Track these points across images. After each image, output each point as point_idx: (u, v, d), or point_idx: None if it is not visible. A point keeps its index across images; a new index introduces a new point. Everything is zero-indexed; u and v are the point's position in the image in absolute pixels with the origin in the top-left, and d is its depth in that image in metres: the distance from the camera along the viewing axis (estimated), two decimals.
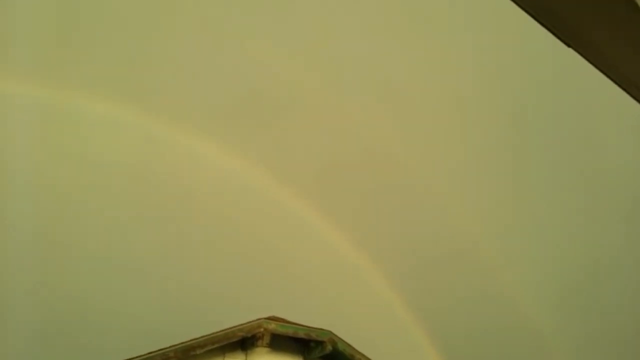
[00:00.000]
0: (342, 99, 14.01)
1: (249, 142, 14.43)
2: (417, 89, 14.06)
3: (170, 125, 13.46)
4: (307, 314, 10.58)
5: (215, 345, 8.92)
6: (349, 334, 10.43)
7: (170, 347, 8.63)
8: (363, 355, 10.14)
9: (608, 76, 2.35)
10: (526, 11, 2.17)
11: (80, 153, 14.05)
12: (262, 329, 9.35)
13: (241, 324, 9.37)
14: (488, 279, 15.19)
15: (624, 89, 2.37)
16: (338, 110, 14.07)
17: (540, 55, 12.14)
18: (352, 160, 14.87)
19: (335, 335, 9.96)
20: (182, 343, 8.72)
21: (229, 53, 13.33)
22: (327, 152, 14.79)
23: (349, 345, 10.11)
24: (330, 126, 14.37)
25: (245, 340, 9.33)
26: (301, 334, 9.83)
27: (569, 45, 2.31)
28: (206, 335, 8.97)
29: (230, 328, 9.22)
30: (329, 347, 9.82)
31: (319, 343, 9.84)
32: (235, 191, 14.79)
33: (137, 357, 8.41)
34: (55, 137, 13.71)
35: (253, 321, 9.44)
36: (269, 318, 9.59)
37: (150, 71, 13.54)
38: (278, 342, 9.64)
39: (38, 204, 13.86)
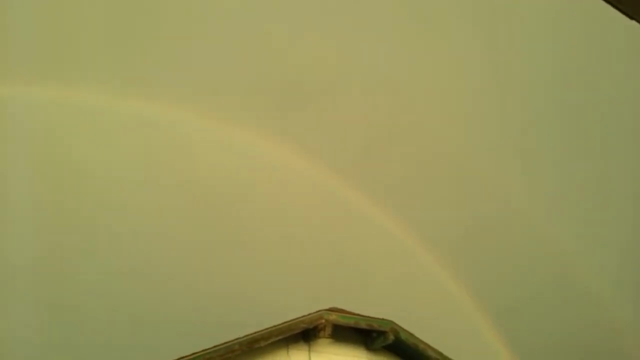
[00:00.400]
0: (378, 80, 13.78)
1: (298, 131, 14.44)
2: (458, 63, 13.71)
3: (219, 120, 13.62)
4: (369, 305, 10.56)
5: (279, 337, 9.02)
6: (411, 323, 10.35)
7: (234, 340, 8.77)
8: (426, 344, 10.04)
9: None
10: None
11: (139, 152, 14.43)
12: (323, 320, 9.39)
13: (302, 316, 9.44)
14: (556, 266, 14.71)
15: None
16: (380, 91, 13.88)
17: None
18: (401, 146, 14.67)
19: (397, 325, 9.90)
20: (246, 336, 8.86)
21: (263, 38, 13.29)
22: (375, 138, 14.63)
23: (412, 335, 10.03)
24: (374, 108, 14.18)
25: (308, 332, 9.40)
26: (362, 325, 9.82)
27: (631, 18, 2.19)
28: (269, 328, 9.08)
29: (293, 320, 9.29)
30: (391, 337, 9.78)
31: (381, 333, 9.81)
32: (291, 183, 14.87)
33: (203, 350, 8.59)
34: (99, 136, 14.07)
35: (314, 313, 9.49)
36: (330, 309, 9.62)
37: (185, 62, 13.66)
38: (340, 333, 9.67)
39: (92, 197, 14.28)
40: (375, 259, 15.36)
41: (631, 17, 2.18)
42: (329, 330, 9.37)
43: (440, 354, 10.12)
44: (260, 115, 14.10)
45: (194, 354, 8.31)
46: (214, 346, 8.57)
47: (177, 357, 8.37)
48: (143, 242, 14.76)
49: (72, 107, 13.51)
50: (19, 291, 13.91)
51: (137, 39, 13.19)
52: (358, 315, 9.91)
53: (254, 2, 13.11)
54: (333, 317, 9.48)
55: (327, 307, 9.68)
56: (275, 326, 9.11)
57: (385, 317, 9.97)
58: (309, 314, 9.44)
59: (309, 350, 9.44)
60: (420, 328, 10.43)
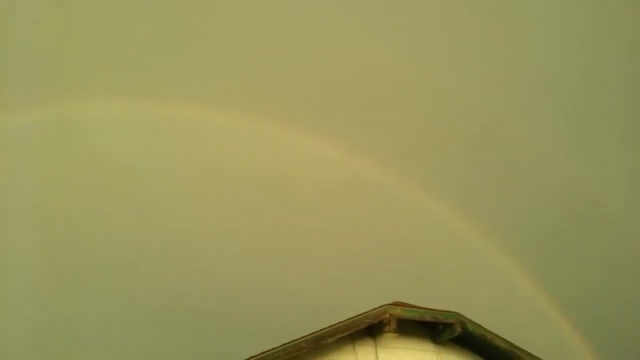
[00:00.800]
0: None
1: (354, 132, 14.47)
2: (543, 67, 13.48)
3: (282, 127, 13.79)
4: (433, 297, 10.46)
5: (344, 334, 9.03)
6: (477, 314, 10.19)
7: (301, 338, 8.85)
8: (495, 335, 9.86)
9: None
10: None
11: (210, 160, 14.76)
12: (387, 315, 9.36)
13: (366, 311, 9.43)
14: (628, 251, 14.18)
15: None
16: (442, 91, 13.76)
17: None
18: (462, 139, 14.47)
19: (464, 317, 9.77)
20: (313, 333, 8.92)
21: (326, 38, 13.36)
22: (450, 137, 14.49)
23: (479, 326, 9.87)
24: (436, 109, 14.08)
25: (373, 327, 9.39)
26: (428, 318, 9.73)
27: None
28: (334, 324, 9.11)
29: (357, 316, 9.30)
30: (459, 329, 9.65)
31: (448, 325, 9.69)
32: (354, 180, 14.89)
33: (271, 349, 8.69)
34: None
35: (378, 308, 9.48)
36: (394, 304, 9.58)
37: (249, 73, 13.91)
38: (405, 327, 9.61)
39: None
40: (437, 251, 15.21)
41: None
42: (393, 324, 9.33)
43: (510, 343, 9.92)
44: (322, 116, 14.24)
45: (262, 353, 8.41)
46: (282, 345, 8.66)
47: (246, 357, 8.51)
48: (213, 243, 15.12)
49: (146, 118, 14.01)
50: (112, 291, 14.48)
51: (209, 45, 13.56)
52: (423, 308, 9.82)
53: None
54: (397, 311, 9.43)
55: (390, 301, 9.64)
56: (340, 322, 9.14)
57: (450, 310, 9.85)
58: (373, 309, 9.43)
59: (375, 346, 9.42)
60: (487, 319, 10.26)
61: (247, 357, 8.47)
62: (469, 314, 9.96)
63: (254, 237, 15.02)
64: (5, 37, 12.85)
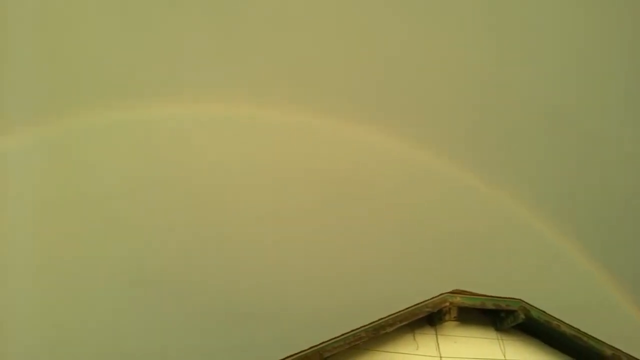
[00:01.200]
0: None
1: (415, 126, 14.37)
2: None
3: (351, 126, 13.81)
4: (493, 284, 10.24)
5: (404, 323, 8.96)
6: (541, 300, 9.92)
7: (360, 327, 8.82)
8: (560, 321, 9.58)
9: None
10: None
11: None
12: (447, 303, 9.23)
13: (426, 300, 9.32)
14: None
15: None
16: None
17: None
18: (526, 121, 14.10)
19: (527, 303, 9.53)
20: (372, 322, 8.88)
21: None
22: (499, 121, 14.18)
23: (543, 312, 9.61)
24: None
25: (433, 316, 9.27)
26: (489, 305, 9.53)
27: None
28: (393, 314, 9.04)
29: (416, 305, 9.20)
30: (522, 316, 9.42)
31: (510, 312, 9.48)
32: (410, 169, 14.79)
33: (331, 339, 8.70)
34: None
35: (437, 296, 9.35)
36: (454, 292, 9.42)
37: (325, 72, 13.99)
38: (466, 314, 9.46)
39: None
40: (497, 237, 14.92)
41: None
42: (454, 313, 9.19)
43: (577, 329, 9.62)
44: (384, 112, 14.23)
45: (322, 342, 8.43)
46: (342, 334, 8.66)
47: (307, 347, 8.55)
48: (278, 235, 15.36)
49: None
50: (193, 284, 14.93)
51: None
52: (484, 295, 9.62)
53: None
54: (457, 299, 9.29)
55: (450, 289, 9.49)
56: (399, 312, 9.06)
57: (513, 296, 9.62)
58: (432, 298, 9.31)
59: (436, 334, 9.31)
60: (551, 304, 9.98)
61: (307, 347, 8.51)
62: (532, 300, 9.72)
63: (315, 229, 15.17)
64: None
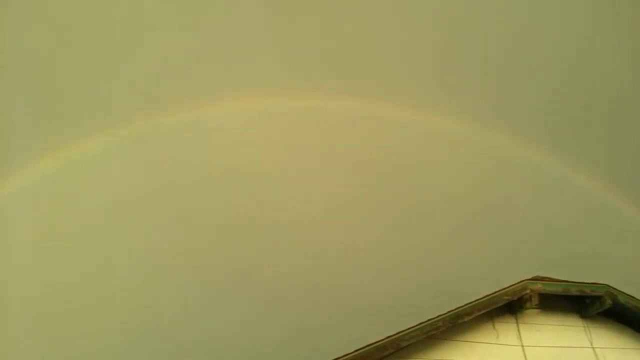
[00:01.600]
0: None
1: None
2: None
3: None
4: (577, 270, 9.83)
5: (482, 312, 8.76)
6: (628, 284, 9.44)
7: (437, 317, 8.70)
8: None
9: None
10: None
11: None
12: (528, 291, 8.94)
13: (505, 288, 9.07)
14: None
15: None
16: None
17: None
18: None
19: (614, 288, 9.09)
20: (449, 312, 8.74)
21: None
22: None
23: (632, 297, 9.13)
24: None
25: (513, 304, 9.01)
26: (573, 291, 9.16)
27: None
28: (471, 302, 8.85)
29: (495, 293, 8.97)
30: (609, 302, 9.00)
31: (596, 298, 9.07)
32: (488, 157, 14.48)
33: (407, 328, 8.64)
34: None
35: (517, 283, 9.08)
36: (534, 278, 9.11)
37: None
38: (548, 301, 9.14)
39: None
40: (578, 221, 14.32)
41: None
42: (535, 300, 8.90)
43: None
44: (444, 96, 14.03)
45: (398, 332, 8.38)
46: (418, 324, 8.57)
47: (383, 337, 8.53)
48: (349, 222, 15.45)
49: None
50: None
51: None
52: (567, 281, 9.25)
53: None
54: (538, 286, 8.98)
55: (530, 276, 9.19)
56: (477, 300, 8.86)
57: (597, 281, 9.20)
58: (512, 285, 9.05)
59: (517, 323, 9.04)
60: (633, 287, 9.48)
61: (384, 337, 8.49)
62: (618, 285, 9.26)
63: (390, 217, 15.13)
64: None
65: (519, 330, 8.94)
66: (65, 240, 14.67)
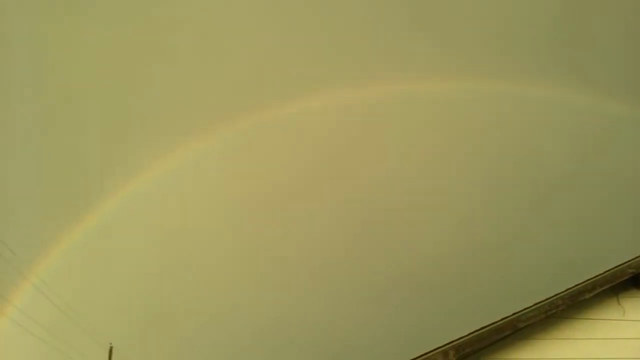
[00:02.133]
0: None
1: None
2: None
3: None
4: None
5: (605, 287, 8.34)
6: None
7: (557, 295, 8.41)
8: None
9: None
10: None
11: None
12: None
13: (629, 260, 8.57)
14: None
15: None
16: None
17: None
18: None
19: None
20: (569, 289, 8.41)
21: None
22: None
23: None
24: None
25: (638, 277, 8.50)
26: None
27: None
28: (592, 278, 8.46)
29: (618, 266, 8.50)
30: None
31: None
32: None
33: (525, 308, 8.43)
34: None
35: None
36: None
37: None
38: None
39: None
40: None
41: None
42: None
43: None
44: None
45: (515, 313, 8.21)
46: (536, 303, 8.35)
47: (500, 318, 8.38)
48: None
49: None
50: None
51: None
52: None
53: None
54: None
55: None
56: (599, 275, 8.45)
57: None
58: (637, 257, 8.52)
59: None
60: None
61: (500, 318, 8.35)
62: None
63: (504, 195, 14.82)
64: None
65: None
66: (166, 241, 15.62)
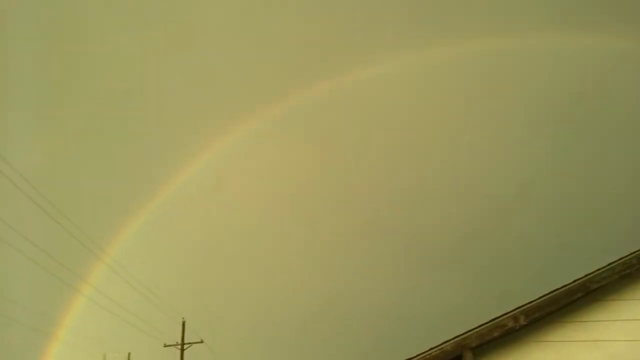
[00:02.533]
0: None
1: None
2: None
3: None
4: None
5: None
6: None
7: (631, 254, 8.07)
8: None
9: None
10: None
11: None
12: None
13: None
14: None
15: None
16: None
17: None
18: None
19: None
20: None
21: None
22: None
23: None
24: None
25: None
26: None
27: None
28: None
29: None
30: None
31: None
32: None
33: (601, 268, 8.13)
34: None
35: None
36: None
37: None
38: None
39: None
40: None
41: None
42: None
43: None
44: None
45: (586, 275, 7.98)
46: (609, 264, 8.07)
47: (571, 280, 8.16)
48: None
49: None
50: None
51: None
52: None
53: None
54: None
55: None
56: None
57: None
58: None
59: None
60: None
61: (571, 280, 8.13)
62: None
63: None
64: None
65: None
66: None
